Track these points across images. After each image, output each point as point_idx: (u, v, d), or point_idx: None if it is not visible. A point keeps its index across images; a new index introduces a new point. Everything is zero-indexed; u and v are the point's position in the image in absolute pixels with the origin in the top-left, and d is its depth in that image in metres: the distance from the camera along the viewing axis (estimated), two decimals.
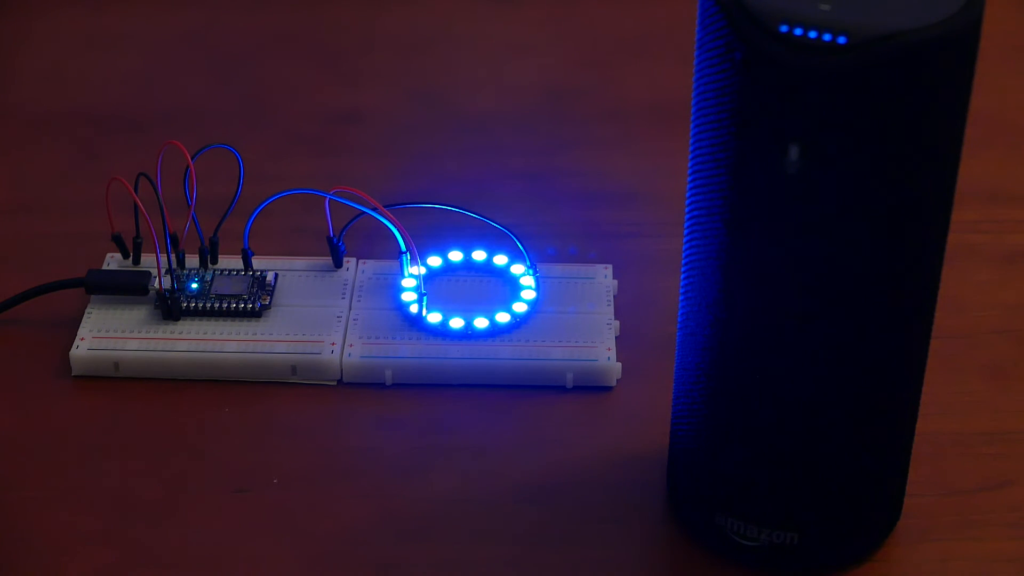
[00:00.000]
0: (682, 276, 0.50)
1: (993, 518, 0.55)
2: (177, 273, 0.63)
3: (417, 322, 0.61)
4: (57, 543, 0.54)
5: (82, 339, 0.61)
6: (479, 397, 0.60)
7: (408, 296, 0.62)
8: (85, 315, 0.62)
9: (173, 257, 0.63)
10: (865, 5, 0.43)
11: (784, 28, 0.43)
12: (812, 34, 0.43)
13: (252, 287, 0.62)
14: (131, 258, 0.64)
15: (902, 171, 0.45)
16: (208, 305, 0.61)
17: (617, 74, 0.80)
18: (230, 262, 0.64)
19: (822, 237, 0.45)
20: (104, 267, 0.64)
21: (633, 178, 0.72)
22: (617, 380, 0.60)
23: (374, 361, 0.60)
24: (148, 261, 0.64)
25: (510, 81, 0.80)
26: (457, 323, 0.61)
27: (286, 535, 0.54)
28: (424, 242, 0.64)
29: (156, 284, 0.62)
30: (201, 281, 0.62)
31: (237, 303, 0.62)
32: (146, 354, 0.60)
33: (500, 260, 0.64)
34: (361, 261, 0.65)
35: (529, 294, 0.62)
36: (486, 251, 0.64)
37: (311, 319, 0.61)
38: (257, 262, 0.64)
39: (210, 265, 0.63)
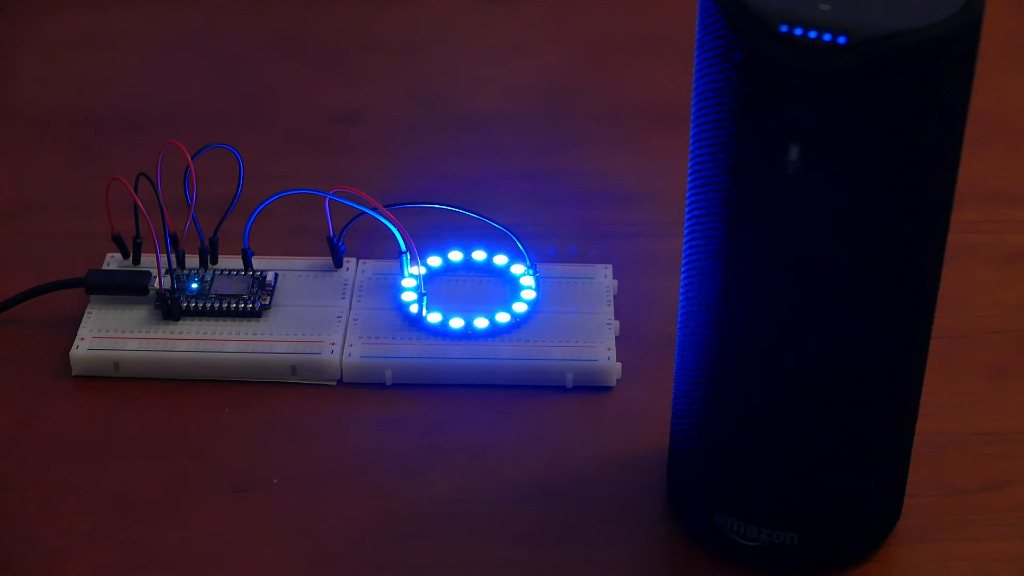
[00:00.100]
0: (682, 276, 0.50)
1: (993, 518, 0.55)
2: (177, 273, 0.63)
3: (417, 322, 0.61)
4: (57, 543, 0.54)
5: (82, 339, 0.61)
6: (479, 397, 0.60)
7: (408, 296, 0.62)
8: (85, 315, 0.62)
9: (173, 257, 0.63)
10: (865, 5, 0.43)
11: (784, 28, 0.43)
12: (812, 34, 0.43)
13: (252, 287, 0.62)
14: (131, 258, 0.64)
15: (902, 171, 0.45)
16: (208, 305, 0.61)
17: (617, 74, 0.80)
18: (230, 262, 0.64)
19: (822, 237, 0.45)
20: (104, 267, 0.64)
21: (633, 178, 0.72)
22: (617, 380, 0.60)
23: (374, 361, 0.60)
24: (148, 261, 0.64)
25: (510, 81, 0.80)
26: (457, 323, 0.61)
27: (286, 535, 0.54)
28: (424, 242, 0.64)
29: (156, 284, 0.62)
30: (201, 281, 0.62)
31: (237, 303, 0.62)
32: (146, 354, 0.60)
33: (500, 260, 0.64)
34: (361, 261, 0.65)
35: (529, 294, 0.62)
36: (486, 251, 0.64)
37: (311, 319, 0.61)
38: (257, 262, 0.64)
39: (210, 265, 0.63)
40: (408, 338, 0.61)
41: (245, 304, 0.62)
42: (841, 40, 0.43)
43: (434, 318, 0.61)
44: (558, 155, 0.74)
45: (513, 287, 0.63)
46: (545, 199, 0.70)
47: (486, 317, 0.61)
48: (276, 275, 0.63)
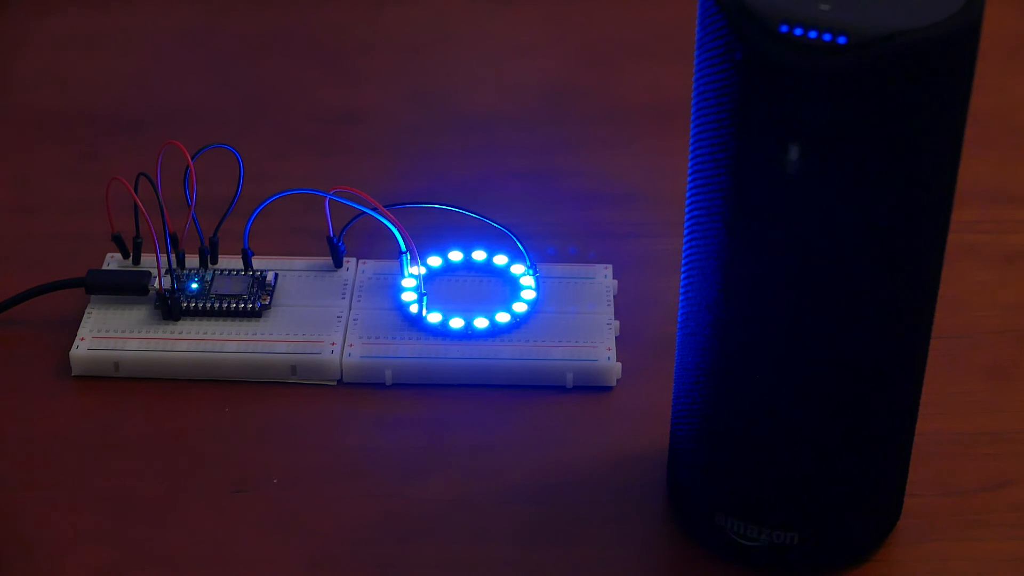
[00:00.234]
0: (682, 276, 0.50)
1: (993, 518, 0.55)
2: (177, 273, 0.63)
3: (417, 322, 0.61)
4: (57, 543, 0.54)
5: (82, 339, 0.61)
6: (479, 397, 0.60)
7: (408, 296, 0.62)
8: (85, 315, 0.62)
9: (173, 257, 0.63)
10: (865, 5, 0.43)
11: (784, 28, 0.43)
12: (812, 34, 0.43)
13: (252, 287, 0.62)
14: (131, 258, 0.64)
15: (902, 171, 0.45)
16: (208, 305, 0.61)
17: (617, 74, 0.80)
18: (230, 262, 0.64)
19: (822, 237, 0.45)
20: (104, 267, 0.64)
21: (633, 178, 0.72)
22: (617, 380, 0.60)
23: (374, 361, 0.60)
24: (148, 261, 0.64)
25: (510, 81, 0.80)
26: (457, 323, 0.61)
27: (286, 535, 0.54)
28: (424, 242, 0.64)
29: (156, 284, 0.62)
30: (201, 281, 0.62)
31: (237, 303, 0.62)
32: (146, 354, 0.60)
33: (500, 260, 0.64)
34: (361, 261, 0.65)
35: (529, 294, 0.62)
36: (486, 251, 0.64)
37: (311, 319, 0.61)
38: (257, 262, 0.64)
39: (210, 265, 0.63)
40: (408, 338, 0.61)
41: (245, 304, 0.62)
42: (841, 40, 0.43)
43: (434, 318, 0.61)
44: (558, 155, 0.74)
45: (513, 287, 0.63)
46: (545, 199, 0.70)
47: (486, 317, 0.61)
48: (276, 275, 0.63)
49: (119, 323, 0.61)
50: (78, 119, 0.76)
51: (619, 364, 0.60)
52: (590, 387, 0.60)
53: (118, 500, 0.55)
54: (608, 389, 0.60)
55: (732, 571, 0.52)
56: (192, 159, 0.61)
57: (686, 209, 0.49)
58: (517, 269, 0.63)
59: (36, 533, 0.54)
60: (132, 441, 0.58)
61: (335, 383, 0.60)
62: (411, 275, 0.63)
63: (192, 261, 0.63)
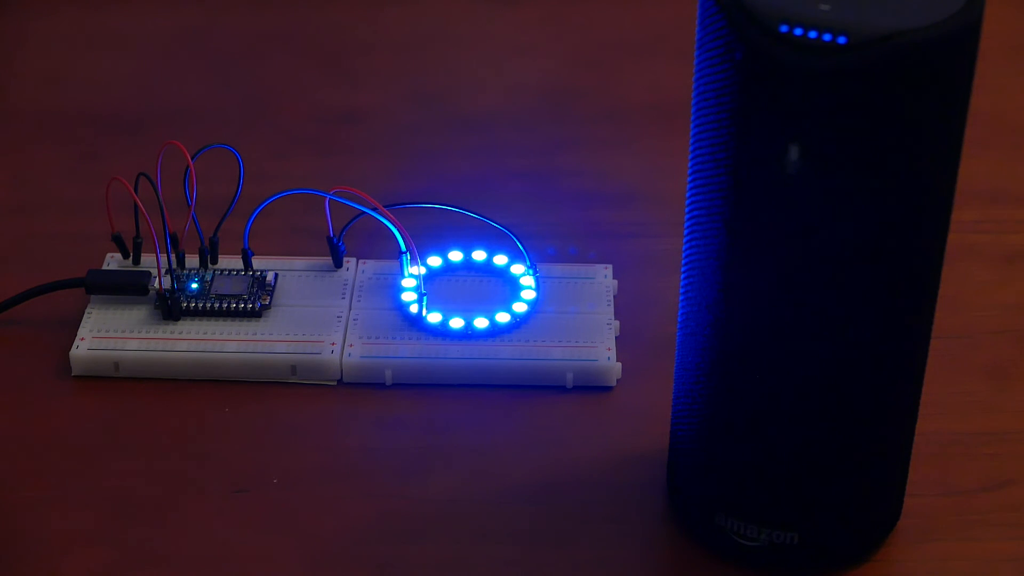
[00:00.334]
0: (682, 276, 0.50)
1: (993, 518, 0.55)
2: (177, 273, 0.63)
3: (417, 322, 0.61)
4: (57, 543, 0.54)
5: (82, 339, 0.61)
6: (479, 397, 0.60)
7: (408, 296, 0.62)
8: (85, 315, 0.62)
9: (173, 257, 0.63)
10: (865, 5, 0.43)
11: (784, 28, 0.43)
12: (812, 34, 0.43)
13: (252, 287, 0.62)
14: (131, 258, 0.64)
15: (902, 171, 0.45)
16: (208, 305, 0.61)
17: (617, 74, 0.80)
18: (230, 262, 0.64)
19: (822, 237, 0.45)
20: (104, 267, 0.64)
21: (633, 178, 0.72)
22: (617, 380, 0.60)
23: (374, 361, 0.60)
24: (148, 261, 0.64)
25: (510, 81, 0.80)
26: (457, 323, 0.61)
27: (286, 535, 0.54)
28: (424, 242, 0.64)
29: (156, 284, 0.62)
30: (201, 281, 0.62)
31: (237, 303, 0.62)
32: (146, 354, 0.60)
33: (500, 260, 0.64)
34: (361, 261, 0.65)
35: (529, 294, 0.62)
36: (486, 251, 0.64)
37: (311, 319, 0.61)
38: (257, 262, 0.64)
39: (210, 265, 0.63)
40: (408, 338, 0.61)
41: (245, 304, 0.62)
42: (841, 40, 0.43)
43: (434, 318, 0.61)
44: (558, 155, 0.74)
45: (513, 287, 0.63)
46: (545, 199, 0.70)
47: (486, 317, 0.61)
48: (276, 275, 0.63)
49: (119, 323, 0.61)
50: (78, 119, 0.76)
51: (619, 364, 0.60)
52: (590, 387, 0.60)
53: (118, 500, 0.55)
54: (608, 389, 0.60)
55: (732, 571, 0.52)
56: (192, 159, 0.61)
57: (686, 209, 0.49)
58: (517, 269, 0.63)
59: (36, 533, 0.54)
60: (132, 441, 0.58)
61: (335, 383, 0.60)
62: (411, 275, 0.63)
63: (192, 261, 0.63)
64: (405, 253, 0.63)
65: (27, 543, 0.54)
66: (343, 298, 0.63)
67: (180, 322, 0.61)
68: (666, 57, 0.80)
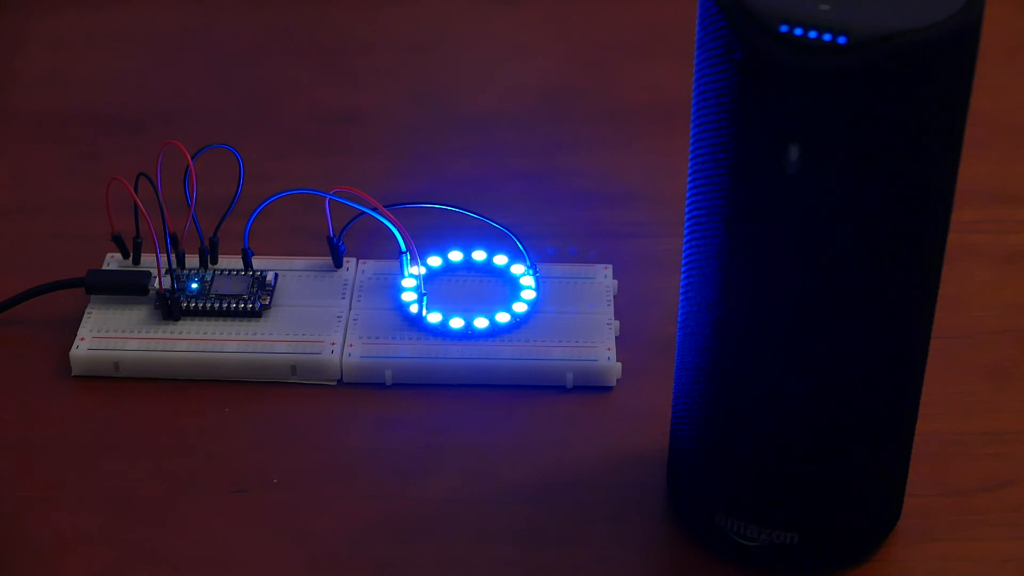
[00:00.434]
0: (682, 276, 0.50)
1: (993, 518, 0.55)
2: (177, 273, 0.63)
3: (417, 322, 0.61)
4: (57, 543, 0.54)
5: (82, 339, 0.61)
6: (479, 397, 0.60)
7: (408, 296, 0.62)
8: (85, 315, 0.62)
9: (173, 257, 0.63)
10: (865, 5, 0.43)
11: (784, 28, 0.43)
12: (812, 34, 0.43)
13: (252, 287, 0.62)
14: (131, 258, 0.64)
15: (902, 171, 0.45)
16: (208, 305, 0.61)
17: (617, 74, 0.80)
18: (230, 262, 0.64)
19: (822, 237, 0.45)
20: (104, 267, 0.64)
21: (633, 178, 0.72)
22: (617, 380, 0.60)
23: (374, 361, 0.60)
24: (148, 261, 0.64)
25: (510, 81, 0.80)
26: (457, 323, 0.61)
27: (286, 535, 0.54)
28: (424, 242, 0.64)
29: (156, 284, 0.62)
30: (201, 281, 0.62)
31: (237, 303, 0.62)
32: (146, 354, 0.60)
33: (500, 260, 0.64)
34: (361, 261, 0.65)
35: (529, 294, 0.62)
36: (486, 251, 0.64)
37: (311, 319, 0.61)
38: (257, 262, 0.64)
39: (210, 265, 0.63)
40: (408, 338, 0.61)
41: (245, 304, 0.62)
42: (841, 40, 0.43)
43: (434, 318, 0.61)
44: (558, 155, 0.74)
45: (513, 287, 0.63)
46: (545, 199, 0.70)
47: (486, 317, 0.61)
48: (276, 275, 0.63)
49: (119, 323, 0.61)
50: (78, 119, 0.76)
51: (619, 364, 0.60)
52: (590, 387, 0.60)
53: (118, 500, 0.55)
54: (608, 389, 0.60)
55: (732, 571, 0.52)
56: (192, 159, 0.61)
57: (686, 209, 0.49)
58: (517, 269, 0.63)
59: (36, 533, 0.54)
60: (132, 441, 0.58)
61: (335, 383, 0.60)
62: (411, 275, 0.63)
63: (192, 261, 0.63)
64: (405, 253, 0.63)
65: (27, 543, 0.54)
66: (343, 298, 0.63)
67: (180, 322, 0.61)
68: (666, 57, 0.80)
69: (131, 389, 0.60)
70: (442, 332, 0.61)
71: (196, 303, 0.61)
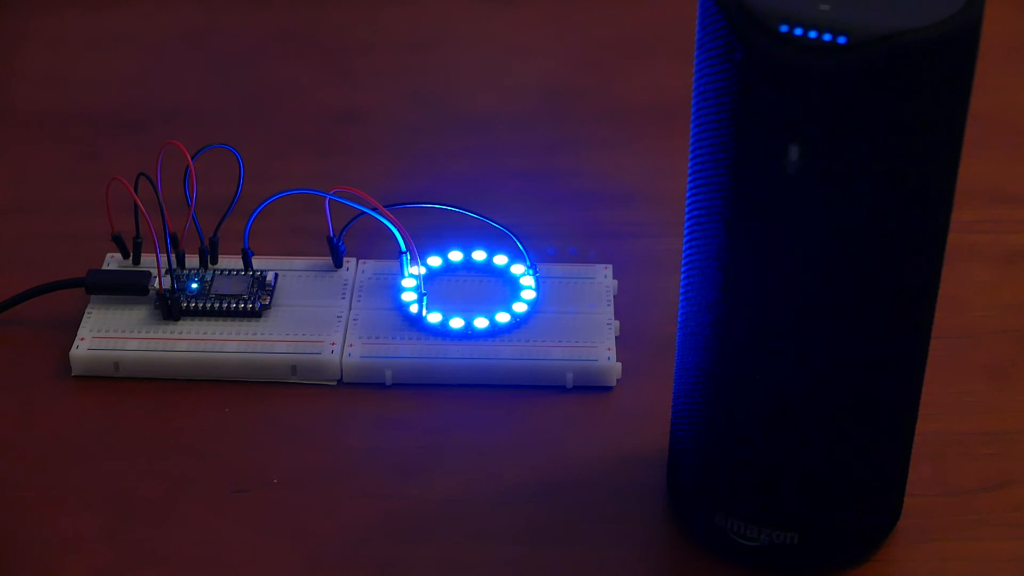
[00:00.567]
0: (682, 276, 0.50)
1: (993, 518, 0.55)
2: (177, 273, 0.63)
3: (417, 322, 0.61)
4: (57, 543, 0.54)
5: (82, 339, 0.61)
6: (479, 397, 0.60)
7: (408, 296, 0.62)
8: (85, 315, 0.62)
9: (173, 257, 0.63)
10: (865, 5, 0.43)
11: (784, 28, 0.43)
12: (812, 34, 0.43)
13: (252, 287, 0.62)
14: (131, 258, 0.64)
15: (902, 171, 0.45)
16: (208, 305, 0.61)
17: (617, 74, 0.80)
18: (230, 262, 0.64)
19: (822, 237, 0.45)
20: (104, 267, 0.64)
21: (633, 178, 0.72)
22: (617, 380, 0.60)
23: (374, 361, 0.60)
24: (148, 261, 0.64)
25: (510, 81, 0.80)
26: (457, 323, 0.61)
27: (286, 535, 0.54)
28: (424, 242, 0.64)
29: (156, 284, 0.62)
30: (201, 281, 0.62)
31: (237, 303, 0.62)
32: (146, 354, 0.60)
33: (500, 260, 0.64)
34: (361, 261, 0.65)
35: (529, 294, 0.62)
36: (486, 251, 0.64)
37: (311, 319, 0.61)
38: (257, 262, 0.64)
39: (210, 265, 0.63)
40: (408, 338, 0.61)
41: (245, 304, 0.62)
42: (841, 40, 0.43)
43: (434, 318, 0.61)
44: (558, 155, 0.74)
45: (513, 287, 0.63)
46: (545, 199, 0.70)
47: (486, 317, 0.61)
48: (276, 275, 0.63)
49: (119, 323, 0.61)
50: (78, 119, 0.76)
51: (619, 364, 0.60)
52: (590, 387, 0.60)
53: (118, 500, 0.55)
54: (608, 389, 0.60)
55: (732, 571, 0.52)
56: (192, 159, 0.61)
57: (686, 209, 0.49)
58: (517, 269, 0.63)
59: (36, 533, 0.54)
60: (132, 441, 0.58)
61: (335, 383, 0.60)
62: (411, 275, 0.63)
63: (192, 261, 0.63)
64: (405, 253, 0.63)
65: (27, 543, 0.54)
66: (343, 298, 0.63)
67: (180, 322, 0.61)
68: (666, 57, 0.80)
69: (131, 389, 0.60)
70: (442, 332, 0.61)
71: (196, 303, 0.61)
